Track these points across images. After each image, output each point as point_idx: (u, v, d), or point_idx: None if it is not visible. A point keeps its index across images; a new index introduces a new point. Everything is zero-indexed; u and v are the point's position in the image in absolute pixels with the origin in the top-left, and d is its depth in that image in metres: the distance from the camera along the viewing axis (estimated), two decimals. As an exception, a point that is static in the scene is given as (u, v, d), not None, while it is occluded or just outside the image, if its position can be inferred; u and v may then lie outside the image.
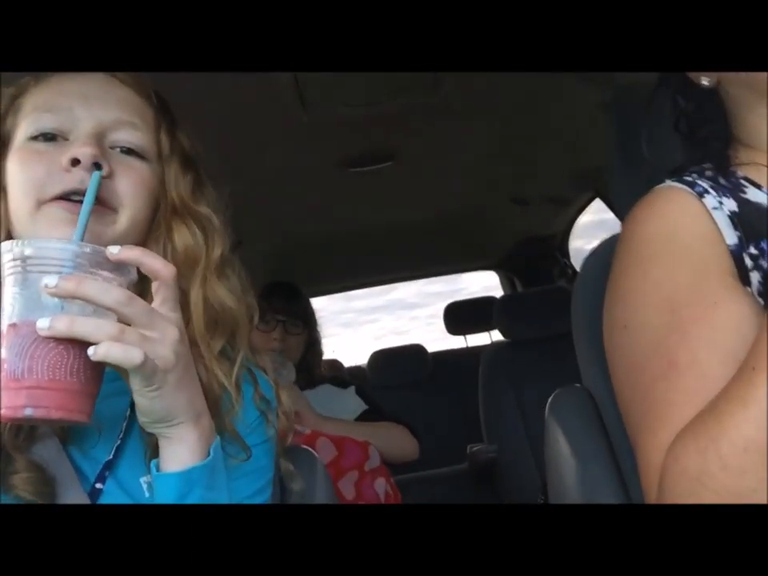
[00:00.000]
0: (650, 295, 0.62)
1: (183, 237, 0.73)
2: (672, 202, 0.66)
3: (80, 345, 0.52)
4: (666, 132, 0.73)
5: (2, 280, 0.55)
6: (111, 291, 0.53)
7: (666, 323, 0.60)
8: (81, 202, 0.63)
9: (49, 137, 0.68)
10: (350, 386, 1.80)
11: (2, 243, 0.55)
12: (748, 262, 0.61)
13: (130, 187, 0.69)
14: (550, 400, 0.90)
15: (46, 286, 0.51)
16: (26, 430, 0.64)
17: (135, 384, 0.55)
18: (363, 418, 1.71)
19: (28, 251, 0.53)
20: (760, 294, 0.60)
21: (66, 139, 0.68)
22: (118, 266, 0.56)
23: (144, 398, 0.56)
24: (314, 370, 1.77)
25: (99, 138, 0.68)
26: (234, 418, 0.70)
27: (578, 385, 0.87)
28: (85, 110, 0.69)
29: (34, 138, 0.68)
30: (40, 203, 0.66)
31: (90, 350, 0.52)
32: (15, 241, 0.54)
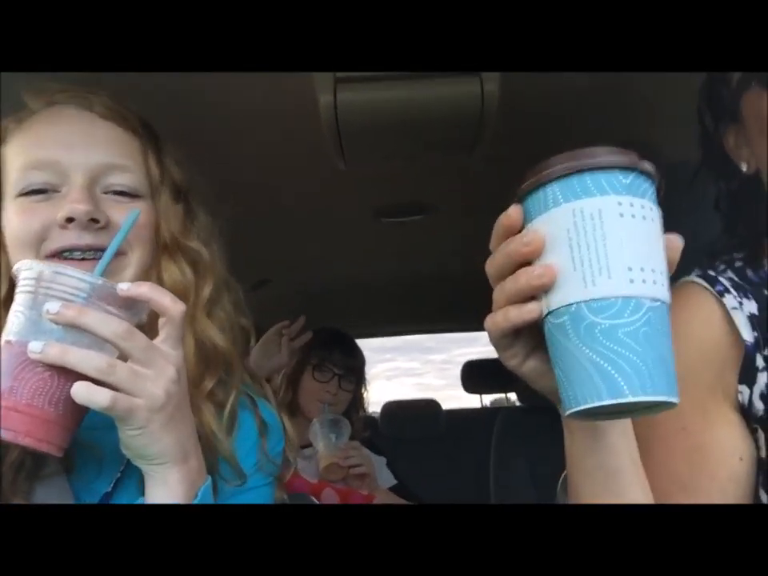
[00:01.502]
0: None
1: (171, 274, 0.71)
2: (688, 306, 0.65)
3: (66, 376, 0.52)
4: (705, 213, 0.72)
5: (14, 296, 0.55)
6: (111, 323, 0.52)
7: (642, 435, 0.61)
8: (82, 259, 0.64)
9: (40, 191, 0.67)
10: (382, 454, 1.80)
11: (23, 261, 0.55)
12: (760, 362, 0.60)
13: (134, 229, 0.67)
14: (563, 476, 0.86)
15: (48, 312, 0.51)
16: (28, 468, 0.62)
17: (116, 421, 0.54)
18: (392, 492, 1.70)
19: (44, 274, 0.53)
20: (762, 397, 0.59)
21: (58, 191, 0.67)
22: (129, 305, 0.55)
23: (123, 435, 0.55)
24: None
25: (91, 188, 0.66)
26: (230, 445, 0.68)
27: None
28: (71, 159, 0.67)
29: (25, 194, 0.67)
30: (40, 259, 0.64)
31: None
32: (36, 261, 0.55)
